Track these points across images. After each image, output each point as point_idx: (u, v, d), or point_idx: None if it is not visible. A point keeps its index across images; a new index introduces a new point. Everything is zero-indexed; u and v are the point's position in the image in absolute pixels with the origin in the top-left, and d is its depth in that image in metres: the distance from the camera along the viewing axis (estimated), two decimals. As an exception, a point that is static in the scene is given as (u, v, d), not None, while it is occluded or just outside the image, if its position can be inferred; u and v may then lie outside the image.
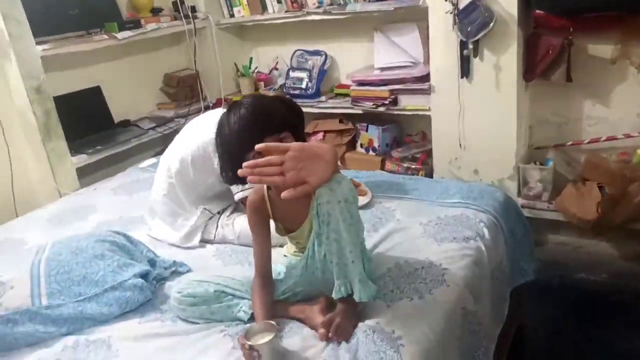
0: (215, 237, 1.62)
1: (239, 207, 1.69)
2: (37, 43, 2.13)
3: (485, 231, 1.50)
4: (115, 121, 2.69)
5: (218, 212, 1.66)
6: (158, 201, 1.68)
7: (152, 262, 1.43)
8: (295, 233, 1.26)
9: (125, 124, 2.70)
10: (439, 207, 1.65)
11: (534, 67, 2.23)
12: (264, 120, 1.11)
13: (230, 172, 1.14)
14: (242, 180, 1.07)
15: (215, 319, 1.23)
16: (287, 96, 1.69)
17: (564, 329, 1.91)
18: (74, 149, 2.35)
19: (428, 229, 1.53)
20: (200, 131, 1.63)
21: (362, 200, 1.74)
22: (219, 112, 1.73)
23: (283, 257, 1.35)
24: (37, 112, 2.11)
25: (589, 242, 2.37)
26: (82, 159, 2.31)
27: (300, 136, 1.20)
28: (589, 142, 2.31)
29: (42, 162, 2.17)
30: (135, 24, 2.54)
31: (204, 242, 1.64)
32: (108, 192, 2.15)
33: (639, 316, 1.92)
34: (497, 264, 1.50)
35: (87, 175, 2.44)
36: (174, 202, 1.66)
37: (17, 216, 2.10)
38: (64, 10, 2.38)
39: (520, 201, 2.35)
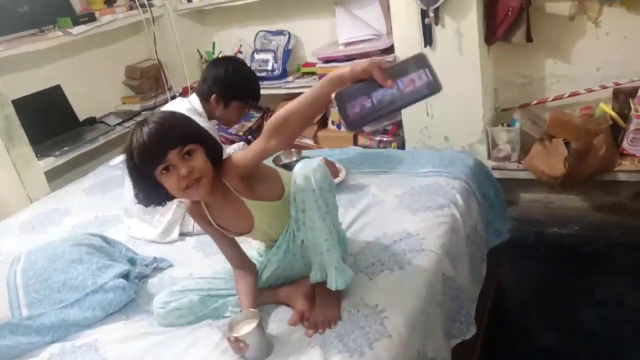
0: (194, 228, 1.62)
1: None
2: (-11, 45, 2.05)
3: (459, 197, 1.53)
4: (81, 119, 2.62)
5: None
6: (131, 201, 1.66)
7: (132, 261, 1.43)
8: (248, 236, 1.24)
9: (91, 121, 2.64)
10: (412, 178, 1.68)
11: (495, 30, 2.25)
12: (165, 135, 1.05)
13: (142, 193, 1.11)
14: (158, 202, 1.10)
15: (203, 320, 1.24)
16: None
17: (542, 284, 1.98)
18: (41, 153, 2.30)
19: (403, 200, 1.56)
20: None
21: (336, 179, 1.76)
22: (179, 102, 1.72)
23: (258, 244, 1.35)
24: (-4, 118, 2.05)
25: (559, 197, 2.44)
26: (50, 162, 2.26)
27: (211, 147, 1.12)
28: (553, 100, 2.36)
29: (8, 170, 2.12)
30: (90, 17, 2.46)
31: (183, 235, 1.63)
32: (80, 194, 2.12)
33: (613, 264, 2.00)
34: (472, 228, 1.54)
35: (57, 177, 2.40)
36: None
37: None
38: (12, 9, 2.29)
39: (490, 163, 2.40)
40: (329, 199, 1.10)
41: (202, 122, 1.65)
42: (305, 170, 1.07)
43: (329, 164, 1.85)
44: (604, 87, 2.22)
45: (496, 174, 2.38)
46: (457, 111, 2.37)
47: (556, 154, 2.20)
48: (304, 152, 2.07)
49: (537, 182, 2.34)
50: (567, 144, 2.20)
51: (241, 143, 2.15)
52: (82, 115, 2.63)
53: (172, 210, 1.62)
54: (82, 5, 2.61)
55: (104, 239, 1.49)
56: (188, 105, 1.71)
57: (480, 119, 2.36)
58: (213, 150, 1.11)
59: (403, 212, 1.49)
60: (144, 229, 1.65)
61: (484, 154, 2.42)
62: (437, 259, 1.29)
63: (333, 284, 1.13)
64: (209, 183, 1.09)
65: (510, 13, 2.17)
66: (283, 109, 1.07)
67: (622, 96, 2.15)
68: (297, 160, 1.97)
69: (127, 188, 1.70)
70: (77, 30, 2.34)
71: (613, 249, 2.07)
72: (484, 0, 2.22)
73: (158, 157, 1.03)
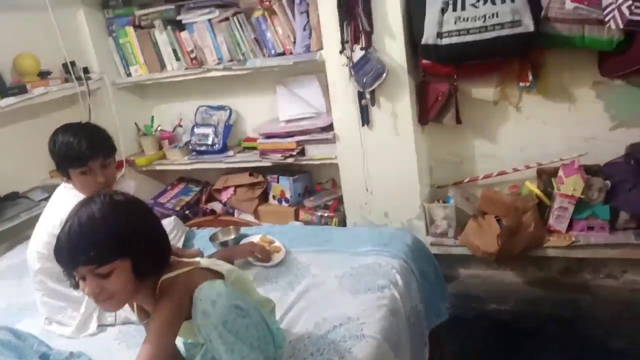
0: (116, 319, 1.48)
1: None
2: None
3: (398, 278, 1.52)
4: (2, 195, 2.44)
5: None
6: (39, 303, 1.53)
7: (45, 357, 1.27)
8: None
9: (13, 196, 2.46)
10: (352, 257, 1.66)
11: (427, 112, 2.38)
12: (77, 249, 0.98)
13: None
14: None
15: None
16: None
17: (482, 361, 1.97)
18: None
19: (343, 281, 1.53)
20: (46, 218, 1.57)
21: (276, 258, 1.71)
22: (62, 190, 1.63)
23: None
24: None
25: (496, 273, 2.51)
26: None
27: (141, 259, 1.03)
28: (483, 178, 2.48)
29: None
30: (20, 90, 2.36)
31: (103, 326, 1.49)
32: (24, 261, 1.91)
33: (543, 339, 2.04)
34: (412, 309, 1.52)
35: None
36: (54, 298, 1.52)
37: None
38: None
39: (429, 239, 2.45)
40: (236, 326, 1.02)
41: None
42: (203, 304, 1.00)
43: (268, 242, 1.81)
44: (527, 167, 2.37)
45: (434, 250, 2.43)
46: (395, 188, 2.43)
47: (489, 230, 2.28)
48: (243, 229, 2.01)
49: (474, 258, 2.40)
50: (498, 220, 2.29)
51: (172, 218, 2.06)
52: (3, 190, 2.45)
53: (84, 302, 1.49)
54: (14, 77, 2.51)
55: (14, 332, 1.33)
56: (73, 191, 1.57)
57: (417, 195, 2.42)
58: (142, 263, 1.01)
59: (343, 294, 1.46)
60: (58, 328, 1.50)
61: (422, 230, 2.46)
62: (377, 345, 1.25)
63: None
64: (124, 300, 1.02)
65: (440, 97, 2.32)
66: None
67: (544, 176, 2.30)
68: (235, 239, 1.91)
69: (32, 289, 1.58)
70: (4, 102, 2.23)
71: (545, 323, 2.12)
72: (416, 84, 2.37)
73: (67, 267, 0.98)
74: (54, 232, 1.49)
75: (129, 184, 2.99)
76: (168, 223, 2.00)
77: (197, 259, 1.10)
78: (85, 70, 2.73)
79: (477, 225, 2.33)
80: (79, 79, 2.66)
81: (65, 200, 1.56)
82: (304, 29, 2.43)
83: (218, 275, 1.10)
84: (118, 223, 0.99)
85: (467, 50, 2.07)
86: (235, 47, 2.62)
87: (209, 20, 2.61)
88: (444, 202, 2.48)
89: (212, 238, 1.92)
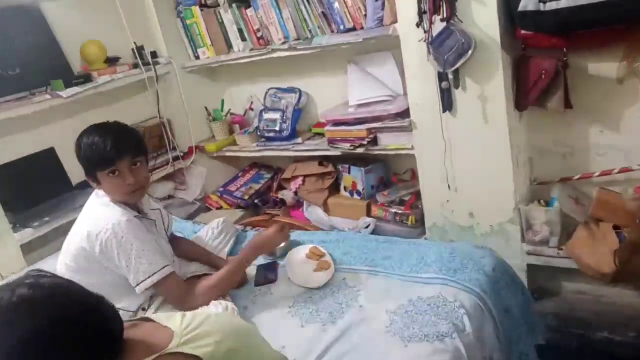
0: None
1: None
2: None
3: (467, 322, 1.20)
4: (74, 183, 2.46)
5: (142, 309, 1.40)
6: None
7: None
8: None
9: (84, 186, 2.47)
10: (412, 285, 1.36)
11: (527, 94, 1.93)
12: None
13: None
14: None
15: None
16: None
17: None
18: (21, 223, 2.13)
19: (395, 320, 1.24)
20: (76, 229, 1.47)
21: (323, 277, 1.47)
22: (91, 200, 1.49)
23: None
24: (-33, 189, 1.90)
25: (610, 291, 2.02)
26: (27, 234, 2.08)
27: None
28: (599, 175, 1.98)
29: (-23, 244, 1.96)
30: (85, 79, 2.32)
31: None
32: (53, 271, 1.91)
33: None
34: (484, 361, 1.19)
35: (40, 247, 2.21)
36: None
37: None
38: (3, 72, 2.19)
39: (525, 247, 2.04)
40: None
41: (120, 212, 1.41)
42: None
43: (318, 255, 1.57)
44: (663, 164, 1.83)
45: (531, 260, 2.03)
46: (483, 184, 2.04)
47: (604, 243, 1.81)
48: (294, 234, 1.79)
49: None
50: (617, 231, 1.81)
51: (221, 220, 1.88)
52: (76, 179, 2.47)
53: None
54: (83, 65, 2.49)
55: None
56: (106, 199, 1.46)
57: (511, 195, 2.01)
58: None
59: (392, 339, 1.17)
60: None
61: (516, 236, 2.06)
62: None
63: None
64: None
65: (543, 76, 1.85)
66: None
67: (686, 176, 1.76)
68: (284, 247, 1.69)
69: None
70: (67, 92, 2.20)
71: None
72: (513, 60, 1.92)
73: None
74: (81, 245, 1.40)
75: (200, 171, 2.92)
76: (216, 225, 1.84)
77: (170, 325, 0.84)
78: (154, 55, 2.64)
79: (589, 236, 1.87)
80: (146, 64, 2.57)
81: (93, 210, 1.45)
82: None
83: None
84: (24, 329, 0.70)
85: (580, 15, 1.59)
86: (301, 23, 2.35)
87: (273, -7, 2.36)
88: (545, 203, 2.04)
89: (259, 246, 1.72)
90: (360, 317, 1.27)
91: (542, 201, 2.06)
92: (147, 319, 0.86)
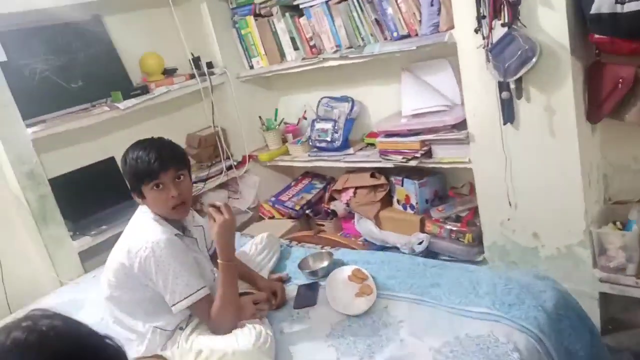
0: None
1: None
2: (30, 125, 2.02)
3: (520, 368, 1.06)
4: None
5: (180, 328, 1.38)
6: (111, 331, 1.45)
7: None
8: None
9: (141, 194, 2.53)
10: (460, 320, 1.24)
11: (600, 105, 1.73)
12: None
13: None
14: None
15: None
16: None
17: None
18: (80, 230, 2.21)
19: (439, 359, 1.12)
20: (119, 244, 1.45)
21: (363, 304, 1.38)
22: (136, 217, 1.49)
23: None
24: (29, 198, 1.98)
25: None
26: (86, 242, 2.16)
27: None
28: (688, 197, 1.74)
29: (39, 251, 2.05)
30: (143, 90, 2.39)
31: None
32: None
33: None
34: (540, 413, 1.05)
35: (98, 255, 2.29)
36: (122, 327, 1.43)
37: (10, 312, 1.97)
38: (65, 85, 2.29)
39: (597, 274, 1.84)
40: None
41: (161, 231, 1.39)
42: None
43: (361, 278, 1.49)
44: None
45: (605, 288, 1.84)
46: (549, 203, 1.87)
47: (693, 276, 1.58)
48: (338, 253, 1.71)
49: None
50: None
51: (265, 234, 1.84)
52: (133, 188, 2.54)
53: (146, 341, 1.37)
54: (143, 77, 2.56)
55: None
56: (149, 215, 1.45)
57: (581, 215, 1.82)
58: None
59: (434, 384, 1.06)
60: None
61: (587, 261, 1.86)
62: None
63: None
64: None
65: (620, 85, 1.65)
66: None
67: None
68: (326, 268, 1.62)
69: (103, 315, 1.52)
70: (125, 104, 2.26)
71: None
72: (585, 68, 1.73)
73: None
74: (121, 261, 1.40)
75: (253, 180, 2.92)
76: (260, 240, 1.81)
77: None
78: (209, 65, 2.66)
79: (673, 266, 1.65)
80: (202, 74, 2.60)
81: (135, 226, 1.45)
82: (432, 4, 1.96)
83: None
84: None
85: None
86: (354, 31, 2.27)
87: (326, 1, 2.29)
88: (622, 225, 1.83)
89: (301, 265, 1.66)
90: (401, 354, 1.16)
91: (618, 223, 1.85)
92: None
